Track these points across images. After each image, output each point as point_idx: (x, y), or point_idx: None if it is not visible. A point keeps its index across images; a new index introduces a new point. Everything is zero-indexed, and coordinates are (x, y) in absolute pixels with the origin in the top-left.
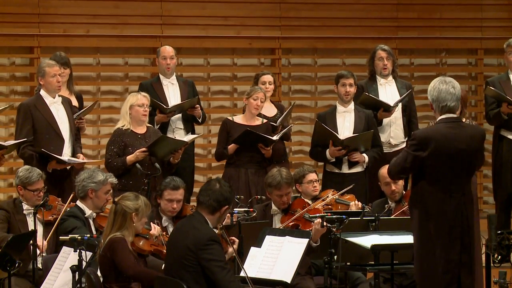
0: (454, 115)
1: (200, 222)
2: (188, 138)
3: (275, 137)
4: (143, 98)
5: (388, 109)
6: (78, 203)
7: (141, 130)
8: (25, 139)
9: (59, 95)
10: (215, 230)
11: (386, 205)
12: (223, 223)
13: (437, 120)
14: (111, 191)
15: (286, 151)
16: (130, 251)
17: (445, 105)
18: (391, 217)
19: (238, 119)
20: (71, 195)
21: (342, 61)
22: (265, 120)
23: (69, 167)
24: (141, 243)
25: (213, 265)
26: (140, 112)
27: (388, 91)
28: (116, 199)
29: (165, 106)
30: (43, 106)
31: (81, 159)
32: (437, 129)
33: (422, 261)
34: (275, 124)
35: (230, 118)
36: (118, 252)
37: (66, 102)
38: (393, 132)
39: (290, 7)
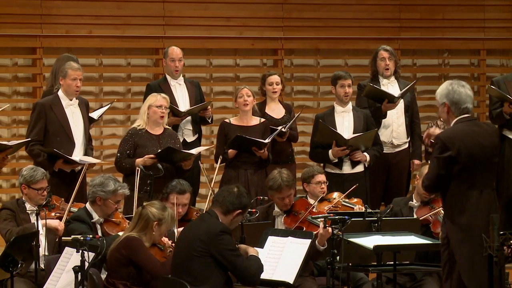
0: (470, 115)
1: (211, 218)
2: (196, 150)
3: (266, 140)
4: (162, 100)
5: (392, 101)
6: (87, 205)
7: (157, 131)
8: (29, 139)
9: (76, 98)
10: None
11: (410, 202)
12: None
13: (454, 121)
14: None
15: (293, 152)
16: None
17: (466, 107)
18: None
19: (235, 120)
20: (73, 195)
21: (345, 62)
22: (262, 120)
23: (79, 168)
24: (155, 253)
25: (228, 254)
26: (157, 113)
27: (390, 92)
28: (145, 203)
29: (181, 110)
30: (58, 108)
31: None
32: (459, 128)
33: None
34: (283, 130)
35: (227, 120)
36: (141, 253)
37: (83, 104)
38: (396, 132)
39: (292, 8)
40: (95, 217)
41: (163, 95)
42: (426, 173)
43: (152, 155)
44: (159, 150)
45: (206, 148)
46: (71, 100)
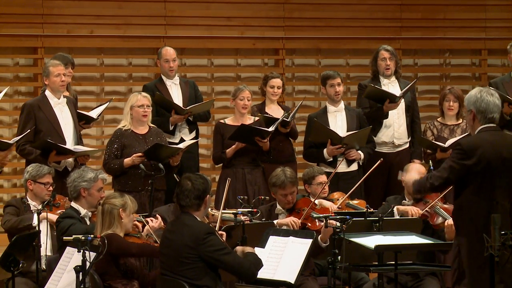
0: (495, 125)
1: (190, 220)
2: (184, 144)
3: (270, 129)
4: (143, 99)
5: (394, 100)
6: (73, 204)
7: (142, 130)
8: (29, 130)
9: (64, 96)
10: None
11: (404, 202)
12: (223, 224)
13: (479, 129)
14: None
15: (294, 151)
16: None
17: (492, 117)
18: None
19: (230, 121)
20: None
21: (346, 62)
22: (257, 118)
23: (71, 168)
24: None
25: (219, 255)
26: (139, 113)
27: (391, 92)
28: (101, 201)
29: (183, 107)
30: (47, 107)
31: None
32: (483, 137)
33: (475, 273)
34: (287, 119)
35: (222, 121)
36: (113, 242)
37: (71, 103)
38: (397, 132)
39: (294, 8)
40: (82, 211)
41: (143, 93)
42: (437, 171)
43: (140, 153)
44: (147, 149)
45: (193, 142)
46: (59, 98)
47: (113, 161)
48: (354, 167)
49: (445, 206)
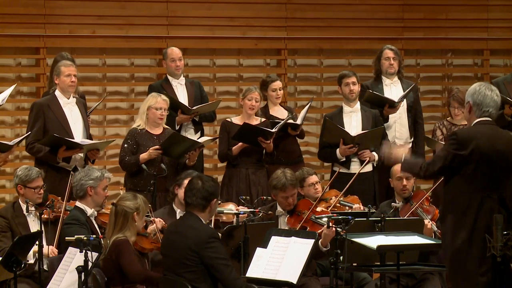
0: (491, 119)
1: (195, 222)
2: (202, 139)
3: (274, 129)
4: (162, 102)
5: (393, 105)
6: (78, 203)
7: (157, 131)
8: (29, 132)
9: (73, 96)
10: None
11: (393, 204)
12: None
13: (475, 122)
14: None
15: (301, 152)
16: (135, 254)
17: (487, 111)
18: (397, 217)
19: (237, 120)
20: (67, 192)
21: (348, 62)
22: (263, 119)
23: (82, 166)
24: (142, 242)
25: (217, 263)
26: (156, 115)
27: (393, 92)
28: (115, 201)
29: (189, 107)
30: (56, 106)
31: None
32: (478, 129)
33: (456, 265)
34: (295, 122)
35: (228, 119)
36: (124, 257)
37: (80, 103)
38: (399, 132)
39: (296, 8)
40: (89, 211)
41: (163, 96)
42: (431, 160)
43: (157, 146)
44: (165, 140)
45: (211, 139)
46: (68, 98)
47: (129, 156)
48: (368, 168)
49: (425, 207)
